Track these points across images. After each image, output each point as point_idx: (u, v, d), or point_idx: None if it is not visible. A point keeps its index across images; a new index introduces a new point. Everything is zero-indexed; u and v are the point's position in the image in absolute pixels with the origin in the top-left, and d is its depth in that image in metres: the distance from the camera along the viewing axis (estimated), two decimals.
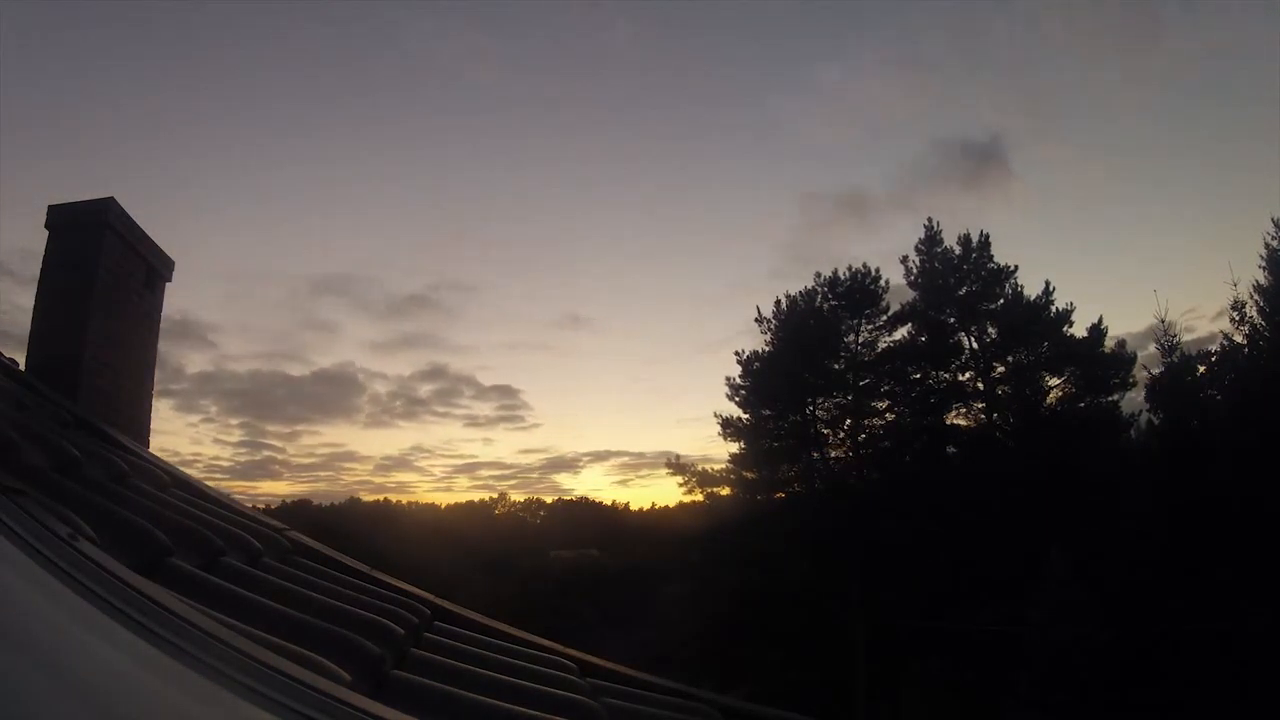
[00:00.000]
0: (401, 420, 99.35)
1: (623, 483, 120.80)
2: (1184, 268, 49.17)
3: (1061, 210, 59.09)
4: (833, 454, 20.75)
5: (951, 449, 20.06)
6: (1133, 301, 51.84)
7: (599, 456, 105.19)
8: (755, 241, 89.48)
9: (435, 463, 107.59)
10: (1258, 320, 14.86)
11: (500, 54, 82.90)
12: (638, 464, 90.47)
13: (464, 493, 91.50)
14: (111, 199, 3.72)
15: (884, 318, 20.32)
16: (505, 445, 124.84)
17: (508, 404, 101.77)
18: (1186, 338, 20.00)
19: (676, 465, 21.59)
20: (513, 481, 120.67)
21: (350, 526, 33.68)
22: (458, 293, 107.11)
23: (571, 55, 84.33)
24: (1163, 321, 15.89)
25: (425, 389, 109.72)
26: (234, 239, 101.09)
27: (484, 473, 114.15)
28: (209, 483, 3.33)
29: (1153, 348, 16.27)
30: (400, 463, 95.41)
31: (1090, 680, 11.99)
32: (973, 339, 19.91)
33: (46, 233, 3.67)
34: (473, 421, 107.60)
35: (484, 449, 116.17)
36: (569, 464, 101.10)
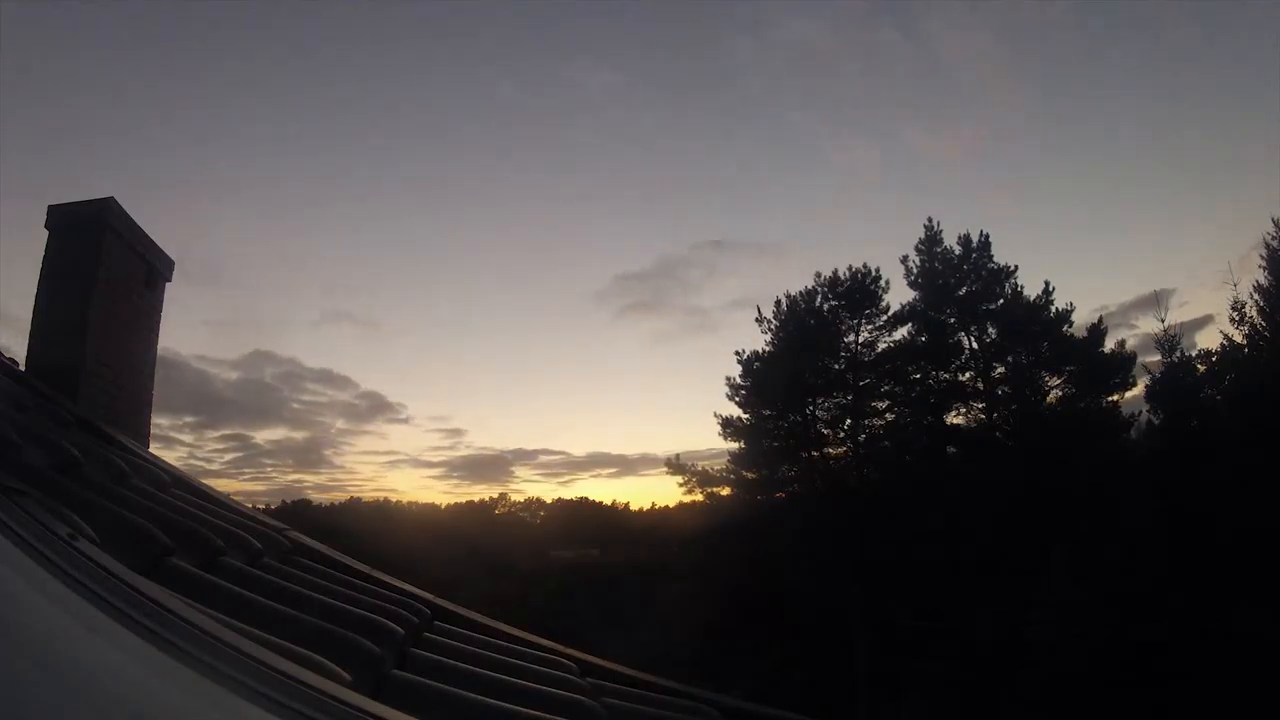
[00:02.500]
0: (275, 411, 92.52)
1: (567, 483, 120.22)
2: (1182, 246, 49.11)
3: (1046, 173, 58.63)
4: (833, 454, 20.77)
5: (951, 449, 20.07)
6: (1125, 273, 51.45)
7: (523, 455, 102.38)
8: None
9: (352, 459, 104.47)
10: (1258, 320, 14.87)
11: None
12: (573, 464, 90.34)
13: (416, 490, 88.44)
14: (111, 199, 3.72)
15: (884, 318, 20.35)
16: (401, 439, 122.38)
17: (363, 394, 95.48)
18: (1183, 317, 20.01)
19: (676, 465, 21.62)
20: (457, 478, 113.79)
21: (350, 526, 33.68)
22: (221, 260, 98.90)
23: None
24: (1162, 321, 15.91)
25: (268, 374, 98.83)
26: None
27: (411, 470, 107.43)
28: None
29: (1144, 327, 16.33)
30: (317, 459, 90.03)
31: (1090, 680, 11.99)
32: (973, 339, 19.91)
33: (46, 233, 3.67)
34: (350, 413, 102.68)
35: (383, 443, 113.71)
36: (496, 461, 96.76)
